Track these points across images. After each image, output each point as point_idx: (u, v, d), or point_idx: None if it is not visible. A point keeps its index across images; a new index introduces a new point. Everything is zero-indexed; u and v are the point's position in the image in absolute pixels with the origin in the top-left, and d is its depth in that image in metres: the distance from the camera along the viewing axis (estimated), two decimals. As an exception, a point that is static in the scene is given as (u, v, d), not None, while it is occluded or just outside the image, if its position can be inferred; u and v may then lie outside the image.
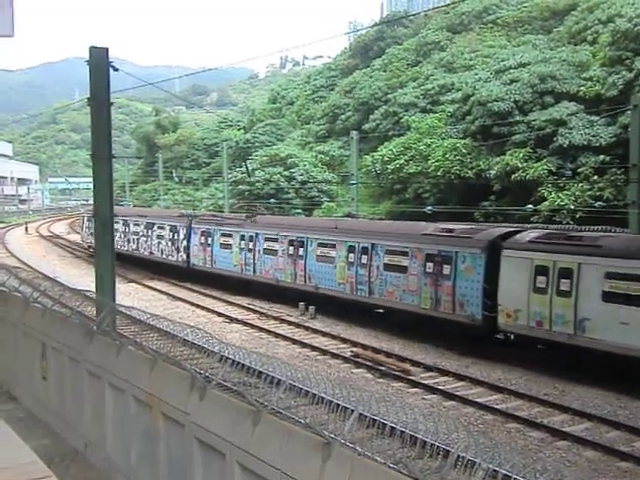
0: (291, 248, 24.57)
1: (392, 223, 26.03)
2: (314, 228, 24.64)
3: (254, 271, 26.42)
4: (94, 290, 15.35)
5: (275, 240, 25.45)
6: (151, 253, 34.27)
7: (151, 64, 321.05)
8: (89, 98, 15.59)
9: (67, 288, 16.00)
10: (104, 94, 15.51)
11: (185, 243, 31.03)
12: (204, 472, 8.74)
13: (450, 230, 19.77)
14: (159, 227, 33.71)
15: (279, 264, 25.07)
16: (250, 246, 26.62)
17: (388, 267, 20.63)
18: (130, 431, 10.60)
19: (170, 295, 27.90)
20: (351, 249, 22.04)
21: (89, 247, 40.43)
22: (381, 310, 21.92)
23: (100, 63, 15.40)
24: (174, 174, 62.30)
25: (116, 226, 35.61)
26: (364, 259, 21.43)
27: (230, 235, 28.09)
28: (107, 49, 15.60)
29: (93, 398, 11.93)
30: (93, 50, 15.43)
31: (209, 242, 29.35)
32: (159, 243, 33.47)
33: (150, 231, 34.34)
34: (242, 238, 27.17)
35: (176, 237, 31.83)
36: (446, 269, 18.78)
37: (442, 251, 19.02)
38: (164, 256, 32.99)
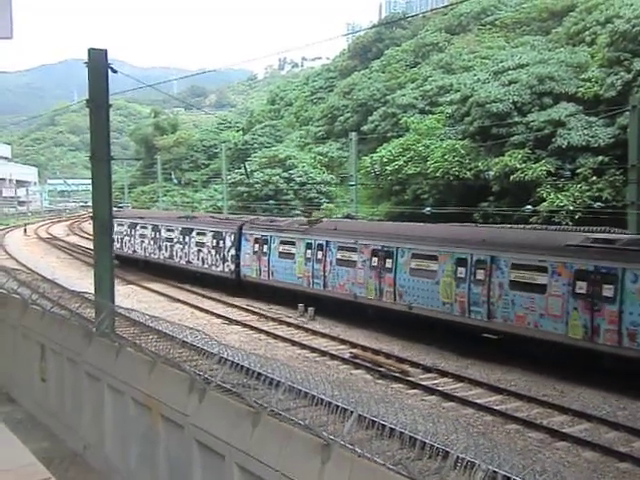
0: (375, 259, 21.04)
1: (515, 231, 21.03)
2: (406, 236, 20.71)
3: (324, 285, 22.95)
4: (93, 292, 15.34)
5: (352, 249, 21.95)
6: (189, 262, 30.64)
7: (150, 66, 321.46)
8: (88, 100, 15.58)
9: (66, 290, 16.00)
10: (103, 96, 15.50)
11: (233, 252, 27.45)
12: (203, 474, 8.73)
13: (610, 241, 16.28)
14: (199, 233, 30.09)
15: (358, 277, 21.59)
16: (319, 256, 23.14)
17: (517, 285, 16.95)
18: (129, 433, 10.59)
19: (169, 297, 27.88)
20: (461, 262, 18.39)
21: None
22: (498, 336, 18.10)
23: (99, 65, 15.39)
24: (173, 176, 62.31)
25: (144, 231, 34.44)
26: (480, 275, 17.83)
27: (292, 243, 24.61)
28: (106, 51, 15.60)
29: (92, 400, 11.91)
30: (92, 52, 15.43)
31: (265, 251, 25.80)
32: (199, 251, 29.81)
33: (187, 237, 30.77)
34: (308, 246, 23.67)
35: (221, 245, 28.26)
36: (607, 290, 15.17)
37: (601, 267, 15.34)
38: (205, 266, 29.42)
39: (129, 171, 78.10)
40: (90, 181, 16.16)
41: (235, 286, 27.56)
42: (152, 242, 33.78)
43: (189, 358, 11.33)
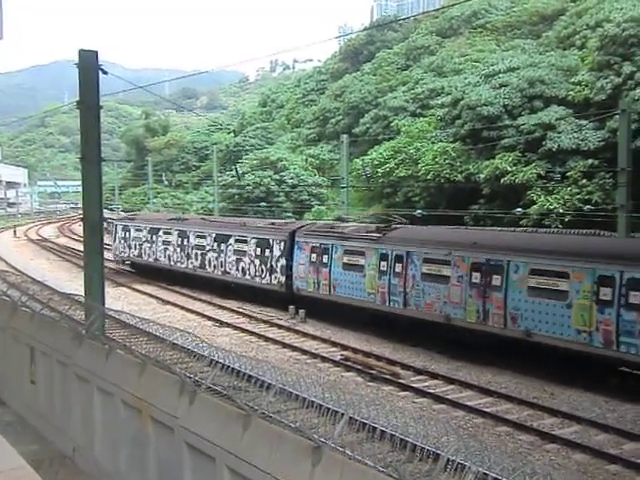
0: (476, 275, 17.68)
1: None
2: (520, 246, 17.24)
3: (405, 303, 19.60)
4: (83, 294, 15.27)
5: (444, 262, 18.57)
6: (225, 273, 27.49)
7: (141, 67, 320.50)
8: (78, 101, 15.53)
9: (56, 292, 15.90)
10: (93, 97, 15.44)
11: (283, 261, 24.35)
12: (193, 476, 8.71)
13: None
14: (239, 240, 26.84)
15: (452, 296, 18.21)
16: (397, 269, 19.90)
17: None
18: (119, 435, 10.54)
19: (160, 299, 27.77)
20: (606, 281, 14.88)
21: (124, 262, 36.23)
22: None
23: (89, 66, 15.34)
24: (164, 177, 62.22)
25: (169, 238, 31.35)
26: (637, 298, 14.39)
27: (361, 253, 21.29)
28: (97, 52, 15.56)
29: (82, 402, 11.85)
30: (82, 53, 15.38)
31: (325, 261, 22.52)
32: (238, 261, 26.67)
33: (224, 245, 27.55)
34: (383, 257, 20.42)
35: (268, 254, 25.11)
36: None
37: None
38: (247, 277, 26.25)
39: (120, 173, 77.84)
40: (80, 183, 16.10)
41: (285, 300, 24.28)
42: (179, 250, 30.60)
43: (180, 360, 11.30)
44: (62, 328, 13.15)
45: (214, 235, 28.37)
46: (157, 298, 27.99)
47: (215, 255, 28.06)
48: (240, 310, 25.09)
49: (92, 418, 11.39)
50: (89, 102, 15.38)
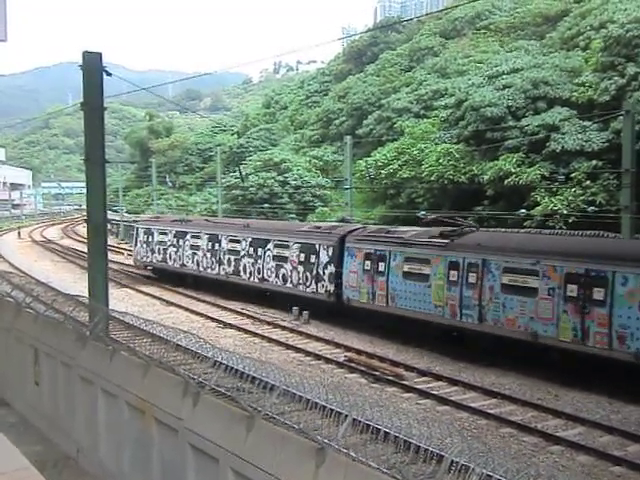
0: (572, 287, 15.61)
1: None
2: (628, 255, 15.31)
3: (480, 318, 17.49)
4: (87, 295, 15.30)
5: (530, 272, 16.49)
6: (263, 280, 25.62)
7: (145, 69, 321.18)
8: (82, 103, 15.58)
9: (60, 293, 15.93)
10: (97, 99, 15.49)
11: (331, 269, 22.44)
12: (197, 477, 8.72)
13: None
14: (279, 245, 24.96)
15: (541, 311, 16.18)
16: (471, 279, 17.82)
17: None
18: (123, 437, 10.56)
19: (163, 300, 27.80)
20: None
21: (146, 267, 34.22)
22: None
23: (93, 68, 15.39)
24: (167, 179, 62.27)
25: (197, 242, 29.54)
26: None
27: (425, 261, 19.30)
28: (100, 54, 15.62)
29: (86, 403, 11.87)
30: (86, 55, 15.43)
31: (381, 269, 20.55)
32: (278, 267, 24.81)
33: (261, 250, 25.68)
34: (453, 266, 18.36)
35: (313, 260, 23.23)
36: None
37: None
38: (288, 285, 24.38)
39: (124, 174, 77.93)
40: (84, 184, 16.15)
41: (333, 311, 22.57)
42: (209, 255, 28.73)
43: (183, 362, 11.33)
44: (66, 329, 13.19)
45: (250, 239, 26.46)
46: (161, 299, 28.03)
47: (251, 261, 26.21)
48: (244, 311, 25.10)
49: (96, 419, 11.41)
50: (93, 104, 15.43)
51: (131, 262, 41.35)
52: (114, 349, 11.49)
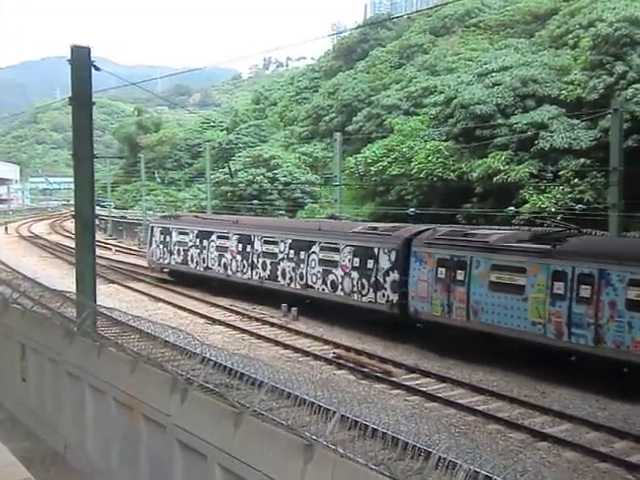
0: None
1: None
2: None
3: (597, 339, 14.95)
4: (75, 291, 15.22)
5: None
6: (307, 286, 23.00)
7: (134, 64, 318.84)
8: (71, 97, 15.48)
9: (47, 289, 15.86)
10: (86, 94, 15.39)
11: (395, 276, 19.80)
12: (185, 474, 8.71)
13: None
14: (326, 248, 22.39)
15: None
16: (584, 293, 15.31)
17: None
18: (111, 433, 10.53)
19: (152, 296, 27.68)
20: None
21: (162, 270, 31.64)
22: None
23: (82, 62, 15.29)
24: (156, 174, 61.98)
25: (225, 243, 26.96)
26: None
27: (521, 270, 16.62)
28: (89, 48, 15.52)
29: (73, 400, 11.82)
30: (75, 49, 15.33)
31: (460, 278, 17.92)
32: (326, 273, 22.17)
33: (304, 254, 23.09)
34: (558, 277, 15.78)
35: (371, 265, 20.56)
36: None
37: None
38: (339, 293, 21.69)
39: (112, 170, 77.53)
40: (72, 179, 16.05)
41: (396, 323, 19.89)
42: (239, 257, 26.17)
43: (171, 358, 11.28)
44: (53, 325, 13.12)
45: (290, 241, 23.84)
46: (149, 295, 27.91)
47: (291, 265, 23.65)
48: (232, 308, 25.05)
49: (83, 415, 11.37)
50: (81, 98, 15.33)
51: (119, 257, 41.28)
52: (102, 345, 11.44)
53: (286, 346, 19.47)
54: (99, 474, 10.85)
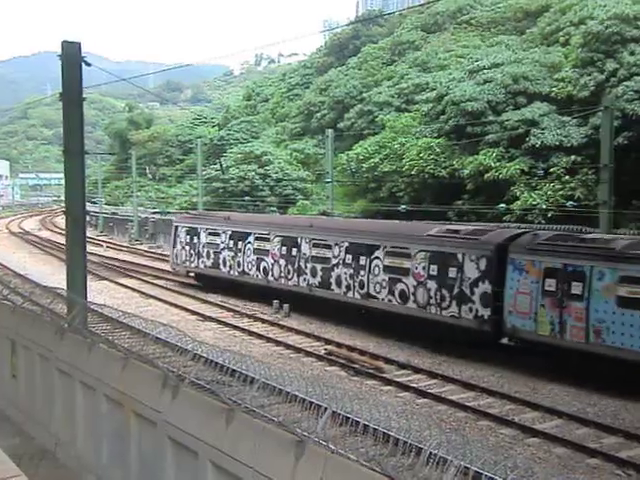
0: None
1: None
2: None
3: None
4: (65, 287, 15.15)
5: None
6: (369, 296, 20.50)
7: (125, 59, 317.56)
8: (61, 93, 15.38)
9: (38, 285, 15.78)
10: (76, 89, 15.30)
11: (485, 287, 17.20)
12: (176, 471, 8.69)
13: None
14: (393, 253, 19.86)
15: None
16: None
17: None
18: (101, 430, 10.50)
19: (143, 293, 27.61)
20: None
21: (187, 274, 29.14)
22: None
23: (72, 58, 15.20)
24: (147, 171, 61.76)
25: (265, 245, 24.54)
26: None
27: None
28: (80, 44, 15.42)
29: (64, 396, 11.78)
30: (65, 45, 15.23)
31: (576, 292, 15.44)
32: (394, 282, 19.66)
33: (365, 259, 20.64)
34: None
35: (454, 274, 18.05)
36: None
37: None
38: (411, 305, 19.11)
39: (103, 166, 77.12)
40: (63, 175, 15.98)
41: (488, 342, 17.59)
42: (283, 262, 23.69)
43: (162, 355, 11.28)
44: (44, 322, 13.06)
45: (346, 245, 21.37)
46: (140, 292, 27.82)
47: (348, 272, 21.20)
48: (224, 304, 25.02)
49: (74, 412, 11.33)
50: (72, 94, 15.24)
51: (110, 254, 41.12)
52: (92, 342, 11.40)
53: (278, 343, 19.48)
54: (90, 471, 10.81)
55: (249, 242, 25.29)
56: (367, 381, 15.86)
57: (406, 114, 42.50)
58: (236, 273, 25.91)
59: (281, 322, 22.12)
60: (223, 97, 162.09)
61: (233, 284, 26.29)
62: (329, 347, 18.77)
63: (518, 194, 29.37)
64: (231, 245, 26.17)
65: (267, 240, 24.55)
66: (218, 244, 26.81)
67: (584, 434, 12.58)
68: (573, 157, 28.81)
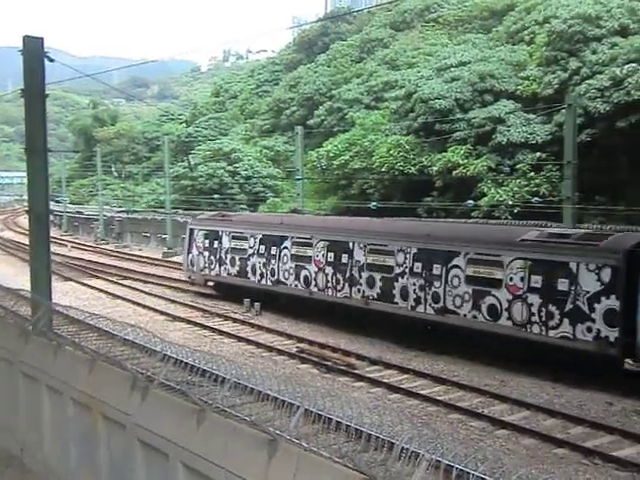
0: None
1: None
2: None
3: None
4: (29, 289, 14.83)
5: None
6: (446, 311, 17.70)
7: (89, 55, 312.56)
8: (23, 89, 15.04)
9: (0, 287, 15.40)
10: (39, 85, 14.98)
11: (610, 303, 14.57)
12: (147, 473, 8.58)
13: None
14: (479, 262, 17.03)
15: None
16: None
17: None
18: (69, 434, 10.31)
19: (110, 294, 27.19)
20: None
21: (206, 283, 26.32)
22: None
23: (34, 53, 14.87)
24: (113, 169, 60.92)
25: (307, 251, 21.76)
26: None
27: None
28: (42, 39, 15.11)
29: (29, 401, 11.52)
30: (27, 40, 14.90)
31: None
32: (480, 294, 16.84)
33: (440, 268, 17.82)
34: None
35: (564, 287, 15.31)
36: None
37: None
38: (504, 322, 16.32)
39: (67, 164, 75.75)
40: (25, 174, 15.65)
41: (614, 368, 14.84)
42: (330, 270, 20.90)
43: (131, 356, 11.13)
44: (7, 324, 12.77)
45: (415, 251, 18.54)
46: (107, 293, 27.41)
47: (418, 282, 18.38)
48: (193, 304, 24.78)
49: (40, 417, 11.10)
50: (34, 90, 14.92)
51: (75, 254, 40.44)
52: (58, 344, 11.17)
53: (249, 341, 19.38)
54: (57, 476, 10.61)
55: (286, 247, 22.45)
56: (339, 378, 15.89)
57: (376, 111, 42.71)
58: (269, 282, 23.01)
59: (252, 321, 21.99)
60: (190, 93, 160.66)
61: (265, 294, 23.35)
62: (301, 345, 18.75)
63: (485, 190, 29.76)
64: (262, 251, 23.29)
65: (309, 245, 21.71)
66: (245, 249, 23.98)
67: (551, 425, 12.80)
68: (538, 154, 29.30)
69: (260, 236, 23.52)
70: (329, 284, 20.89)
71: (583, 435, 12.30)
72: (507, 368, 16.05)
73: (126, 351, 10.60)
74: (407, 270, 18.66)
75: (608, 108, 26.37)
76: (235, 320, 22.26)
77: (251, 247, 23.77)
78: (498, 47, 40.56)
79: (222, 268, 24.92)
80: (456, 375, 15.93)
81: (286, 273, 22.33)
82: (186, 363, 9.16)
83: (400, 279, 18.82)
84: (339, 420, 8.95)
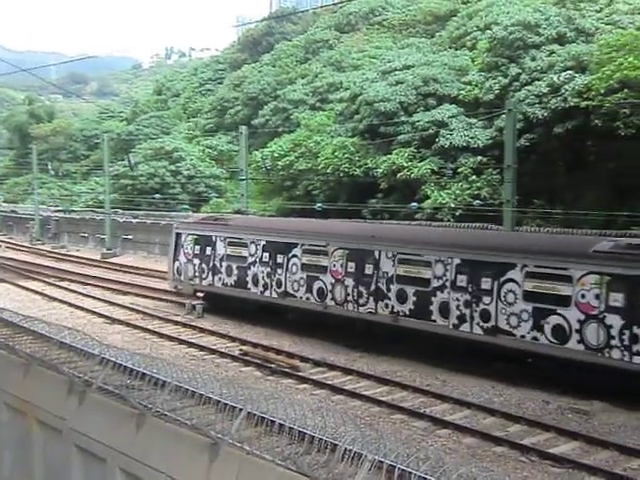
0: None
1: None
2: None
3: None
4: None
5: None
6: (497, 331, 15.61)
7: (25, 49, 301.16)
8: (-48, 81, 14.33)
9: None
10: (-30, 77, 14.31)
11: None
12: (83, 479, 8.33)
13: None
14: (541, 276, 14.98)
15: None
16: None
17: None
18: (2, 440, 9.94)
19: (46, 295, 26.28)
20: None
21: (195, 293, 23.78)
22: None
23: (-35, 43, 14.18)
24: (50, 167, 58.95)
25: (321, 260, 19.45)
26: None
27: None
28: (-27, 29, 14.42)
29: (-43, 408, 10.99)
30: (-43, 29, 14.20)
31: None
32: (542, 313, 14.77)
33: (492, 282, 15.71)
34: None
35: None
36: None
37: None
38: (571, 345, 14.29)
39: (1, 161, 73.04)
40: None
41: None
42: (351, 282, 18.61)
43: (68, 360, 10.76)
44: None
45: (457, 262, 16.36)
46: (43, 295, 26.50)
47: (462, 298, 16.23)
48: (133, 307, 24.20)
49: (-31, 424, 10.61)
50: (-35, 82, 14.23)
51: (9, 255, 39.01)
52: (-10, 348, 10.71)
53: (190, 344, 19.04)
54: (-13, 485, 10.17)
55: (296, 255, 20.08)
56: (283, 380, 15.80)
57: (321, 113, 42.83)
58: (274, 294, 20.64)
59: (194, 323, 21.62)
60: (131, 91, 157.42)
61: (269, 308, 21.13)
62: (244, 347, 18.55)
63: (429, 193, 30.22)
64: (266, 259, 20.90)
65: (324, 254, 19.43)
66: (245, 257, 21.58)
67: (491, 423, 13.07)
68: (479, 158, 29.94)
69: (263, 242, 21.12)
70: (349, 298, 18.65)
71: (521, 433, 12.59)
72: (449, 368, 16.31)
73: (63, 355, 10.23)
74: (448, 283, 16.55)
75: (546, 114, 27.18)
76: (177, 322, 21.86)
77: (252, 255, 21.39)
78: (441, 52, 41.29)
79: (216, 278, 22.54)
80: (399, 375, 16.07)
81: (295, 284, 20.00)
82: (125, 366, 8.94)
83: (439, 293, 16.67)
84: (282, 422, 8.89)
